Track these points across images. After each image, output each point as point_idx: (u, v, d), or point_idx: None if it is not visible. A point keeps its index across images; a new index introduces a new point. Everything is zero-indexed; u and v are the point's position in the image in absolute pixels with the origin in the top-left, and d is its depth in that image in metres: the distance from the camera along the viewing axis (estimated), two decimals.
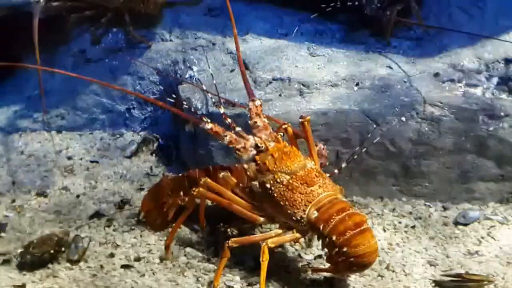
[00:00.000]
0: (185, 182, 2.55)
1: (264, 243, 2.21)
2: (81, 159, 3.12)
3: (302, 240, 2.42)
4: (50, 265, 2.40)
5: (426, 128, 2.75)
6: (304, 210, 2.25)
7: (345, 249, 2.17)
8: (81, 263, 2.42)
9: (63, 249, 2.43)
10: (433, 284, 2.32)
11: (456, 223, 2.68)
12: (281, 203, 2.27)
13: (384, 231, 2.64)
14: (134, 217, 2.70)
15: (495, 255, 2.49)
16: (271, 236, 2.29)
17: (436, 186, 2.80)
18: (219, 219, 2.59)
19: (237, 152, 2.36)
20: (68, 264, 2.41)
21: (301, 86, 2.87)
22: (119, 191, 2.90)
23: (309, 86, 2.86)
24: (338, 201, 2.27)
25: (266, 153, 2.33)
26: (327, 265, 2.30)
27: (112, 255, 2.46)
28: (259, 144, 2.35)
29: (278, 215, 2.31)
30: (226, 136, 2.37)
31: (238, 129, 2.42)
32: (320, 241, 2.25)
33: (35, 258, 2.38)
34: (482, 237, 2.60)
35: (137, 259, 2.44)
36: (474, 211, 2.72)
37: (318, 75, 2.90)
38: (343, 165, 2.67)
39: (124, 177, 3.00)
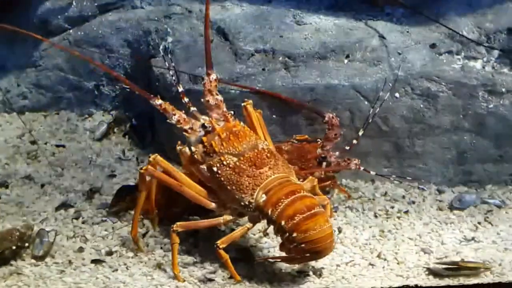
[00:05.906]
0: None
1: (215, 247, 2.11)
2: (46, 143, 2.94)
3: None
4: (13, 262, 2.25)
5: (421, 105, 2.63)
6: (252, 194, 2.15)
7: (294, 234, 2.06)
8: (48, 259, 2.28)
9: (26, 244, 2.28)
10: (427, 273, 2.23)
11: (452, 208, 2.59)
12: (228, 187, 2.17)
13: (376, 217, 2.54)
14: (105, 207, 2.54)
15: (492, 241, 2.40)
16: (219, 222, 2.21)
17: (431, 167, 2.70)
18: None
19: (185, 133, 2.26)
20: (33, 261, 2.27)
21: (286, 59, 2.71)
22: (88, 178, 2.74)
23: (295, 59, 2.69)
24: (288, 184, 2.16)
25: (213, 133, 2.22)
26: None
27: (81, 250, 2.33)
28: (206, 124, 2.24)
29: (227, 201, 2.21)
30: (174, 115, 2.27)
31: (193, 109, 2.30)
32: (272, 228, 2.14)
33: None
34: (479, 223, 2.51)
35: (109, 253, 2.32)
36: (470, 195, 2.63)
37: (305, 46, 2.73)
38: (360, 133, 2.57)
39: (94, 162, 2.84)
